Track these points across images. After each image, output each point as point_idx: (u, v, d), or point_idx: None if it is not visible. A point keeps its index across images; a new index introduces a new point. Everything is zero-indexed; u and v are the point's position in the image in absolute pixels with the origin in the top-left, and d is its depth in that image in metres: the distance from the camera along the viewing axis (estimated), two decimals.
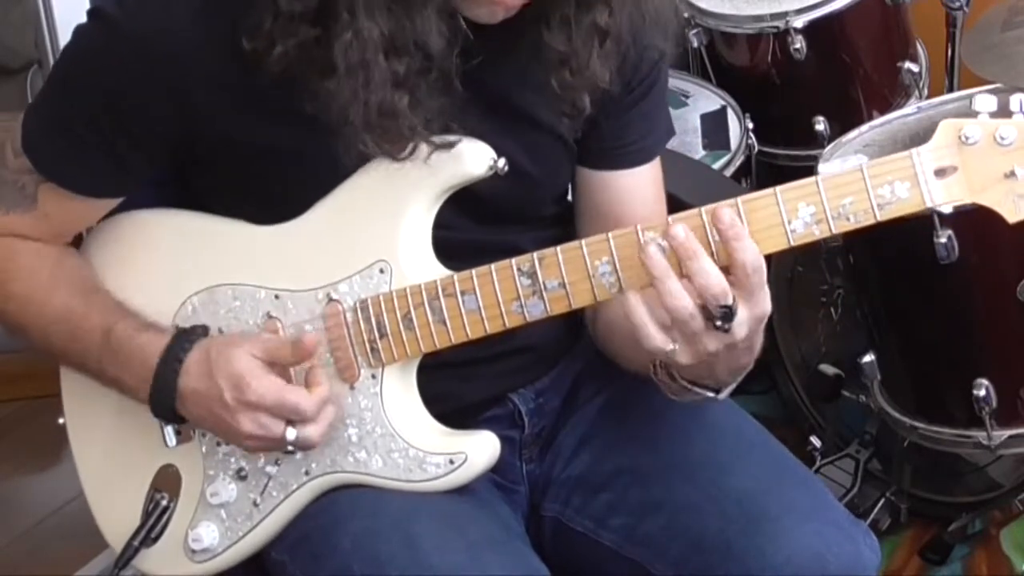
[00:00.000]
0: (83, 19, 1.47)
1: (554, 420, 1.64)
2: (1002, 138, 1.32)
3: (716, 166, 2.50)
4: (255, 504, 1.50)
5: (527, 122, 1.51)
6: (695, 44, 2.72)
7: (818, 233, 1.35)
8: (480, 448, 1.46)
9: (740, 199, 1.35)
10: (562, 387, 1.65)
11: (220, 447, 1.50)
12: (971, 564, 2.43)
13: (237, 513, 1.50)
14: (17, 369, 3.00)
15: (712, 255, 1.33)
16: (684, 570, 1.48)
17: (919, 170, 1.33)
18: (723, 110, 2.66)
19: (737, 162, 2.53)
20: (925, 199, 1.33)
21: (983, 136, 1.32)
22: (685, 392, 1.44)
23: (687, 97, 2.71)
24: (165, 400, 1.45)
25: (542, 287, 1.40)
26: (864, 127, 2.32)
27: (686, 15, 2.66)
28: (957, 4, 2.56)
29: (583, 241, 1.39)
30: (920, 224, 2.03)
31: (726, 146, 2.57)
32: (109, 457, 1.58)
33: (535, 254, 1.40)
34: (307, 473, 1.48)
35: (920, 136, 2.17)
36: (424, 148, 1.41)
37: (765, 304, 1.33)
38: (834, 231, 1.34)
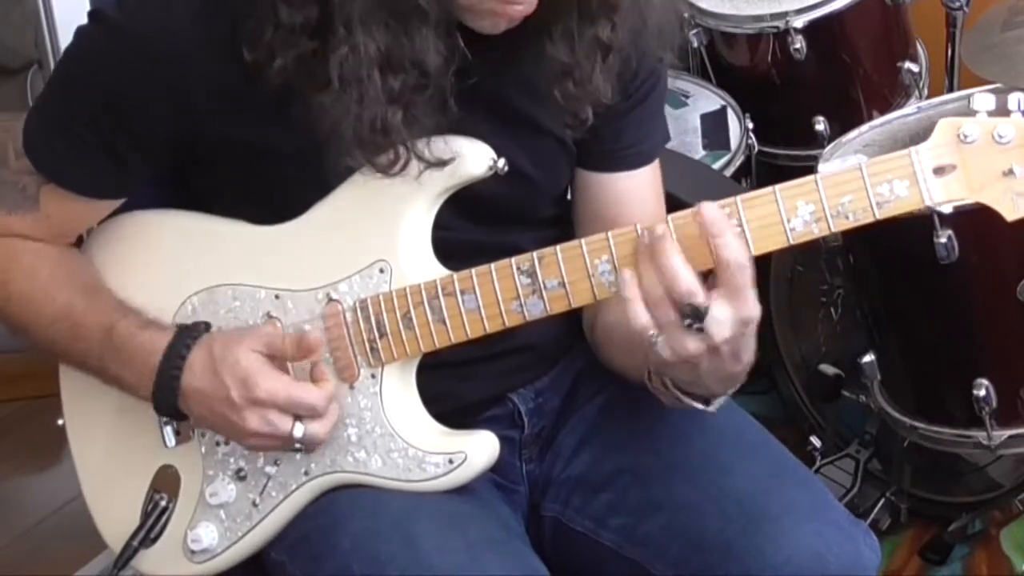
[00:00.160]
0: (83, 19, 1.47)
1: (554, 420, 1.64)
2: (1000, 136, 1.32)
3: (716, 166, 2.50)
4: (254, 504, 1.50)
5: (528, 126, 1.51)
6: (695, 44, 2.72)
7: (817, 231, 1.35)
8: (479, 448, 1.46)
9: (739, 198, 1.35)
10: (562, 387, 1.65)
11: (219, 447, 1.50)
12: (971, 564, 2.43)
13: (236, 513, 1.50)
14: (17, 369, 2.99)
15: (709, 255, 1.33)
16: (684, 570, 1.48)
17: (918, 168, 1.33)
18: (723, 110, 2.66)
19: (737, 162, 2.53)
20: (924, 197, 1.33)
21: (981, 135, 1.32)
22: (677, 402, 1.44)
23: (687, 97, 2.71)
24: (168, 398, 1.45)
25: (542, 286, 1.40)
26: (864, 127, 2.32)
27: (686, 15, 2.66)
28: (957, 4, 2.56)
29: (583, 240, 1.39)
30: (920, 224, 2.03)
31: (726, 146, 2.57)
32: (108, 457, 1.58)
33: (535, 253, 1.40)
34: (306, 473, 1.48)
35: (920, 136, 2.15)
36: (415, 165, 1.41)
37: (751, 306, 1.32)
38: (833, 229, 1.34)
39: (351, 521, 1.43)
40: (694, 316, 1.31)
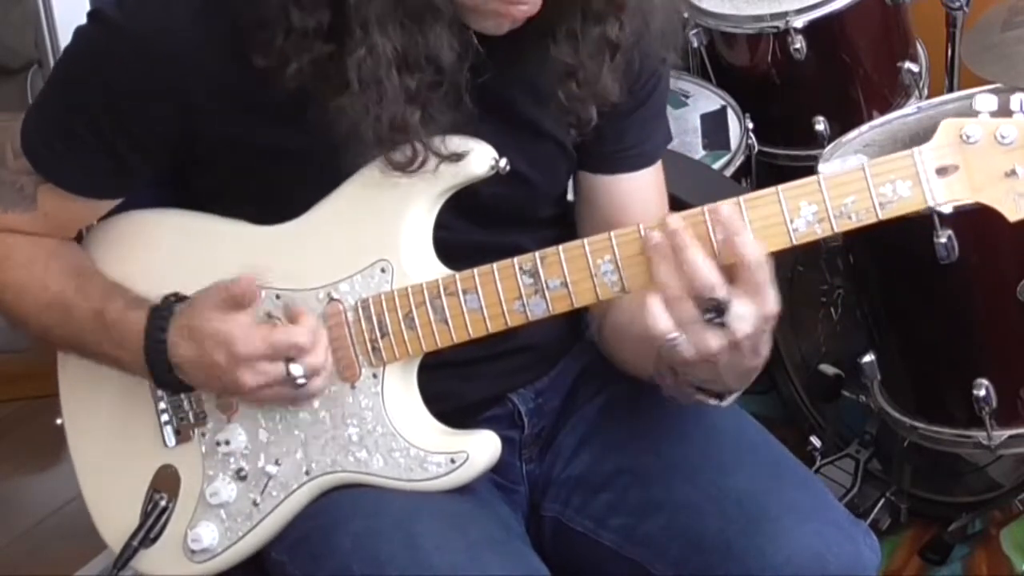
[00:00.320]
0: (83, 19, 1.47)
1: (554, 420, 1.64)
2: (1003, 137, 1.32)
3: (716, 166, 2.50)
4: (255, 504, 1.50)
5: (529, 130, 1.51)
6: (695, 44, 2.72)
7: (820, 232, 1.35)
8: (481, 447, 1.46)
9: (742, 198, 1.35)
10: (562, 387, 1.65)
11: (220, 447, 1.50)
12: (971, 564, 2.43)
13: (237, 513, 1.50)
14: (17, 369, 3.00)
15: (715, 254, 1.33)
16: (684, 570, 1.48)
17: (921, 169, 1.33)
18: (723, 110, 2.66)
19: (737, 162, 2.53)
20: (927, 198, 1.33)
21: (984, 135, 1.33)
22: (689, 397, 1.44)
23: (687, 97, 2.71)
24: (164, 374, 1.45)
25: (544, 286, 1.40)
26: (864, 127, 2.32)
27: (686, 15, 2.66)
28: (957, 4, 2.56)
29: (585, 240, 1.39)
30: (920, 224, 2.03)
31: (726, 146, 2.57)
32: (107, 457, 1.58)
33: (537, 253, 1.40)
34: (307, 473, 1.48)
35: (920, 136, 2.17)
36: (432, 160, 1.41)
37: (771, 302, 1.33)
38: (836, 230, 1.35)
39: (352, 521, 1.43)
40: (716, 310, 1.32)
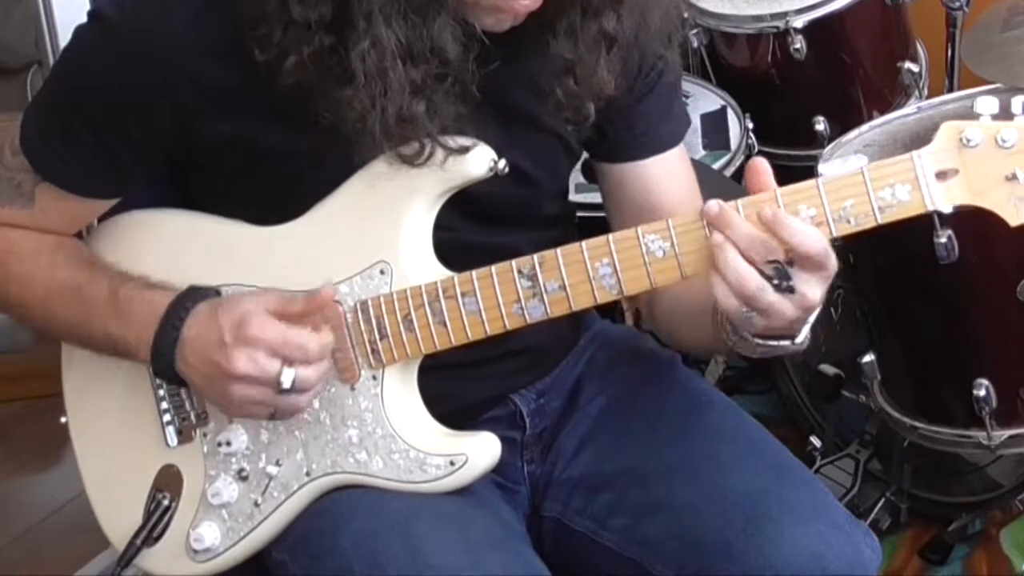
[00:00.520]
0: (83, 19, 1.47)
1: (555, 421, 1.64)
2: (1003, 140, 1.32)
3: (716, 166, 2.50)
4: (256, 504, 1.50)
5: (531, 126, 1.51)
6: (695, 44, 2.72)
7: None
8: (481, 449, 1.46)
9: (741, 201, 1.35)
10: (563, 388, 1.66)
11: (221, 448, 1.50)
12: (971, 564, 2.43)
13: (238, 513, 1.50)
14: (17, 369, 3.00)
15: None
16: (684, 570, 1.48)
17: (920, 173, 1.33)
18: (723, 110, 2.66)
19: (737, 162, 2.53)
20: (926, 202, 1.33)
21: (984, 139, 1.32)
22: (756, 349, 1.42)
23: (687, 97, 2.70)
24: (166, 352, 1.43)
25: (542, 289, 1.40)
26: (864, 127, 2.31)
27: (686, 15, 2.66)
28: (957, 4, 2.56)
29: (583, 243, 1.39)
30: (920, 224, 2.02)
31: (726, 146, 2.57)
32: (111, 456, 1.58)
33: (535, 256, 1.40)
34: (308, 474, 1.48)
35: (920, 136, 2.17)
36: (440, 153, 1.41)
37: (831, 263, 1.34)
38: (835, 234, 1.34)
39: (352, 521, 1.43)
40: (780, 275, 1.32)
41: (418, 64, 1.34)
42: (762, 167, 1.37)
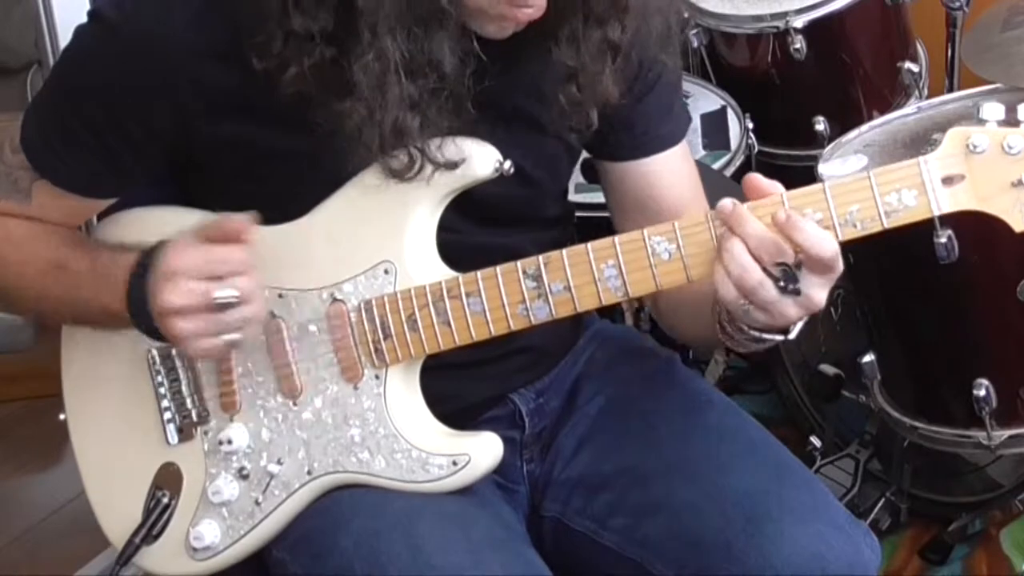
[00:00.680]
0: (83, 19, 1.47)
1: (555, 420, 1.64)
2: (1010, 147, 1.32)
3: (716, 166, 2.50)
4: (257, 503, 1.50)
5: (533, 129, 1.51)
6: (695, 44, 2.72)
7: None
8: (484, 449, 1.47)
9: (749, 204, 1.35)
10: (562, 387, 1.66)
11: (222, 446, 1.50)
12: (971, 564, 2.43)
13: (239, 512, 1.50)
14: (17, 369, 3.00)
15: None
16: (684, 570, 1.48)
17: (927, 178, 1.33)
18: (723, 110, 2.66)
19: (737, 162, 2.53)
20: (932, 207, 1.34)
21: (991, 145, 1.32)
22: (749, 345, 1.44)
23: (687, 97, 2.70)
24: (141, 302, 1.41)
25: (547, 290, 1.40)
26: (864, 127, 2.31)
27: (686, 15, 2.66)
28: (957, 4, 2.56)
29: (589, 245, 1.39)
30: (920, 224, 2.02)
31: (726, 146, 2.57)
32: (111, 455, 1.58)
33: (540, 257, 1.40)
34: (309, 473, 1.48)
35: (920, 136, 2.17)
36: (428, 167, 1.41)
37: (837, 266, 1.36)
38: (841, 238, 1.35)
39: (353, 520, 1.43)
40: (788, 278, 1.32)
41: (416, 78, 1.35)
42: (756, 181, 1.38)
